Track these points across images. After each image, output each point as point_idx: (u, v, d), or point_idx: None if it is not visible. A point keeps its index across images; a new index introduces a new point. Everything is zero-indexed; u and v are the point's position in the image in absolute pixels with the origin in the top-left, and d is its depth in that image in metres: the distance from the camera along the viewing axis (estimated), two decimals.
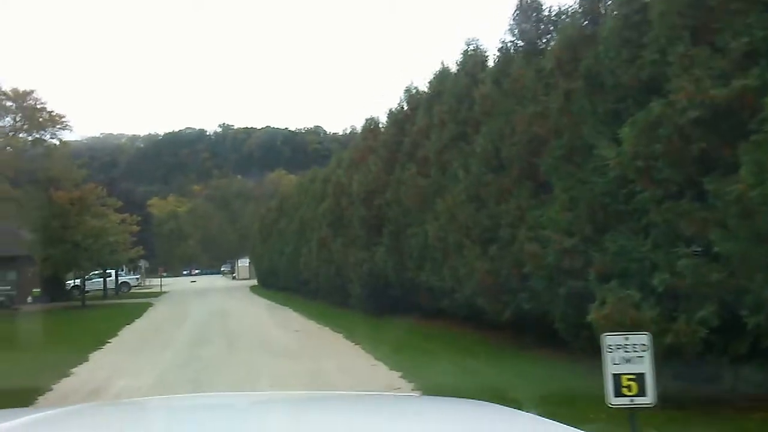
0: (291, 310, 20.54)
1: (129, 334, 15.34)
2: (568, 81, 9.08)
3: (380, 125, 19.23)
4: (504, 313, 9.80)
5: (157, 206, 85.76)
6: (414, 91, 17.12)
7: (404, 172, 14.97)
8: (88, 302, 28.34)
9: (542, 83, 10.06)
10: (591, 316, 6.18)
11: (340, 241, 18.73)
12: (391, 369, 8.34)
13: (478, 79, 13.24)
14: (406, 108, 17.21)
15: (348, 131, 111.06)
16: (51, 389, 7.87)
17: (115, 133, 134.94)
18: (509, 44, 12.06)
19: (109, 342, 13.18)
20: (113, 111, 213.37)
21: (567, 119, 8.81)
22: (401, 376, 7.79)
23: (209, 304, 25.01)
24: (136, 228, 28.89)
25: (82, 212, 26.39)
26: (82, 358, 10.50)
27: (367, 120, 20.24)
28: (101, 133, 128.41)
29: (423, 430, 1.68)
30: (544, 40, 11.59)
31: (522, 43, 11.82)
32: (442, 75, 15.36)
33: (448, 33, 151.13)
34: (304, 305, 21.30)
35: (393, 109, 17.76)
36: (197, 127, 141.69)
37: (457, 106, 13.29)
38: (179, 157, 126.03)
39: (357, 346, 10.87)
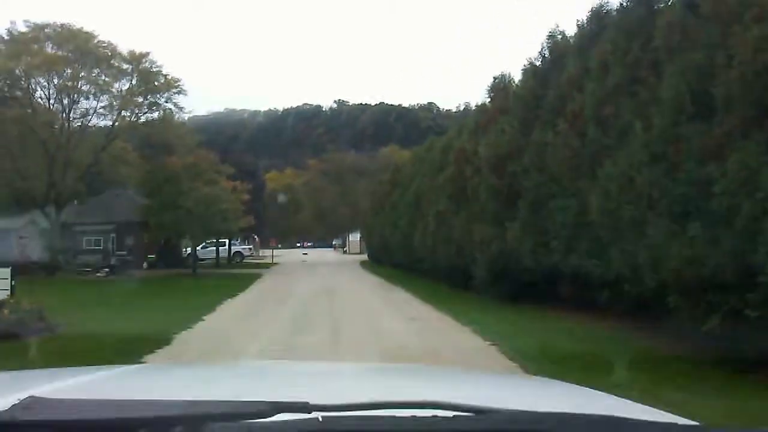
0: (404, 291, 18.43)
1: (228, 310, 13.89)
2: None
3: (512, 82, 16.49)
4: (710, 318, 6.94)
5: (274, 179, 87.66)
6: (559, 36, 14.18)
7: (547, 131, 12.21)
8: (200, 270, 28.02)
9: None
10: None
11: (463, 215, 16.26)
12: None
13: (656, 10, 10.29)
14: (548, 57, 14.34)
15: (462, 108, 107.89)
16: None
17: (237, 108, 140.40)
18: None
19: (203, 320, 11.65)
20: (238, 87, 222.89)
21: None
22: None
23: (317, 280, 23.54)
24: (246, 196, 28.05)
25: (195, 178, 25.87)
26: (163, 340, 8.93)
27: (495, 78, 17.46)
28: (225, 108, 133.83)
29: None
30: None
31: None
32: (599, 11, 12.36)
33: None
34: (418, 286, 19.10)
35: (531, 60, 14.87)
36: (314, 103, 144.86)
37: (625, 45, 10.34)
38: (296, 132, 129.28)
39: (493, 347, 8.40)
